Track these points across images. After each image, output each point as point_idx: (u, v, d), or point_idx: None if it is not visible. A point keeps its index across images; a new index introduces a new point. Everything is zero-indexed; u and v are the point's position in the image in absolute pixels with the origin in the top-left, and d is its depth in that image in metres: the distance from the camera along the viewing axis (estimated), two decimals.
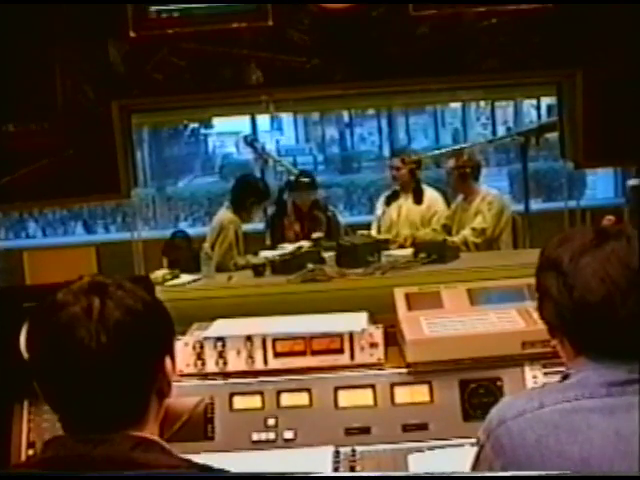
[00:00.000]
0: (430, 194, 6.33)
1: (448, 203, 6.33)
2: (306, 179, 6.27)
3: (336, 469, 2.46)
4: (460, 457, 2.21)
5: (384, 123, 16.69)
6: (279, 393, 2.70)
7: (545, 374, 2.62)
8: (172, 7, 3.26)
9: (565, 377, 1.69)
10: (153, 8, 3.25)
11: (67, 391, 1.53)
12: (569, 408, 1.60)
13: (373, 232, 6.14)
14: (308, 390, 2.70)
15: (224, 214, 6.09)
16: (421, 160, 6.42)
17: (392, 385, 2.69)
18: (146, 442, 1.53)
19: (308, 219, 6.22)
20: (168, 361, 1.62)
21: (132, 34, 3.25)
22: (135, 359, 1.53)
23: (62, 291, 1.57)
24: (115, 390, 1.52)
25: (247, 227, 6.28)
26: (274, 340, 2.77)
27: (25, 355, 1.59)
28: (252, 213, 6.18)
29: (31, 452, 2.62)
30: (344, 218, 7.68)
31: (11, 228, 11.86)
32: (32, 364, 1.56)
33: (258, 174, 6.71)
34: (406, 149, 8.01)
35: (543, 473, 1.55)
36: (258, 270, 4.60)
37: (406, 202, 6.26)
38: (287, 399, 2.69)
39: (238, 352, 2.78)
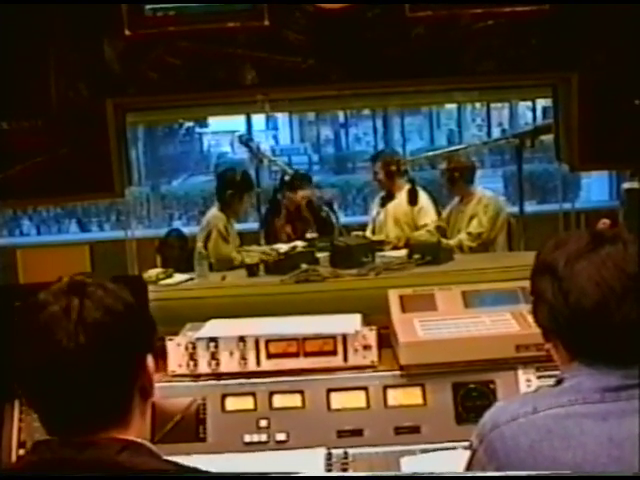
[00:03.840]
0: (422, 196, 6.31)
1: (436, 205, 6.31)
2: (299, 180, 6.24)
3: (328, 471, 2.45)
4: (452, 460, 2.20)
5: (379, 124, 16.65)
6: (271, 394, 2.69)
7: (538, 377, 2.62)
8: (168, 6, 3.25)
9: (559, 382, 1.69)
10: (149, 6, 3.23)
11: (48, 392, 1.51)
12: (563, 413, 1.59)
13: (368, 233, 6.12)
14: (301, 392, 2.69)
15: (211, 212, 6.08)
16: (400, 162, 6.35)
17: (385, 387, 2.68)
18: (133, 445, 1.52)
19: (298, 220, 6.19)
20: (150, 359, 1.61)
21: (127, 32, 3.23)
22: (115, 359, 1.52)
23: (43, 292, 1.56)
24: (95, 390, 1.51)
25: (242, 227, 6.24)
26: (267, 341, 2.76)
27: None
28: (236, 206, 6.01)
29: (22, 452, 2.61)
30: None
31: (5, 226, 11.80)
32: (14, 365, 1.55)
33: (253, 173, 6.68)
34: (383, 152, 7.81)
35: (540, 473, 1.54)
36: (252, 270, 4.59)
37: (400, 203, 6.24)
38: (279, 401, 2.68)
39: (231, 353, 2.77)
